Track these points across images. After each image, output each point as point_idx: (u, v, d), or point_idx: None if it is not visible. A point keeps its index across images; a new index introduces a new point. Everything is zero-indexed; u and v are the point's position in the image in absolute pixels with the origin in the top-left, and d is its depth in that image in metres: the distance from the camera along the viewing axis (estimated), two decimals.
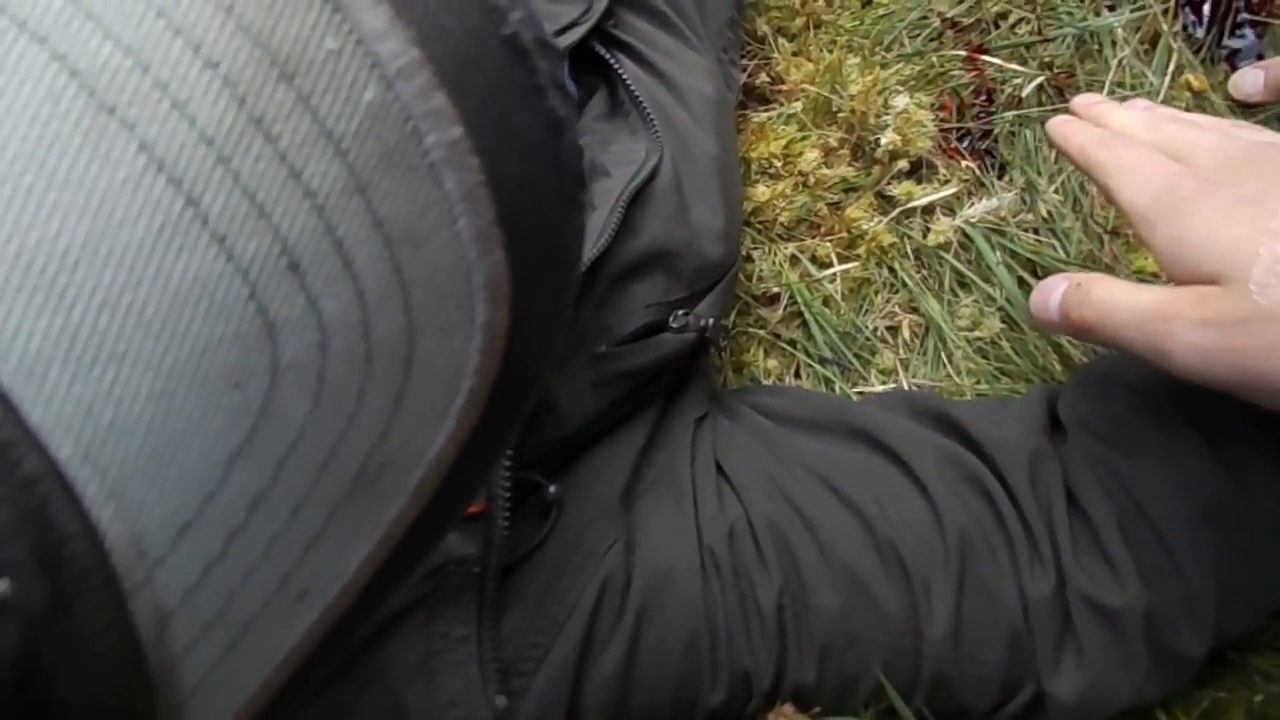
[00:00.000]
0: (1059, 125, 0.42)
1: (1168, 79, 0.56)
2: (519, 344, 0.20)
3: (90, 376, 0.14)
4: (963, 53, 0.60)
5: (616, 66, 0.50)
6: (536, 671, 0.39)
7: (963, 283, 0.57)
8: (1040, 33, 0.60)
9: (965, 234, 0.57)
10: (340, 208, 0.16)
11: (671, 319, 0.44)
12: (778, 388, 0.54)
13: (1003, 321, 0.55)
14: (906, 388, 0.55)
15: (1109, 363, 0.45)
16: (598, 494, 0.42)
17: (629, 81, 0.49)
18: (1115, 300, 0.35)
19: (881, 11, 0.64)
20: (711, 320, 0.45)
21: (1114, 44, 0.58)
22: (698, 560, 0.40)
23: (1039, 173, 0.58)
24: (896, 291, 0.58)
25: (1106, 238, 0.56)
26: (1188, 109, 0.57)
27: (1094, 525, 0.39)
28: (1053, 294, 0.39)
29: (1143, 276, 0.55)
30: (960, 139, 0.60)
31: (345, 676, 0.36)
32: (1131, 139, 0.38)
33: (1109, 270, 0.55)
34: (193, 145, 0.15)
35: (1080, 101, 0.44)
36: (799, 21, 0.66)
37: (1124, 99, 0.50)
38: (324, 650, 0.20)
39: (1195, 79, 0.56)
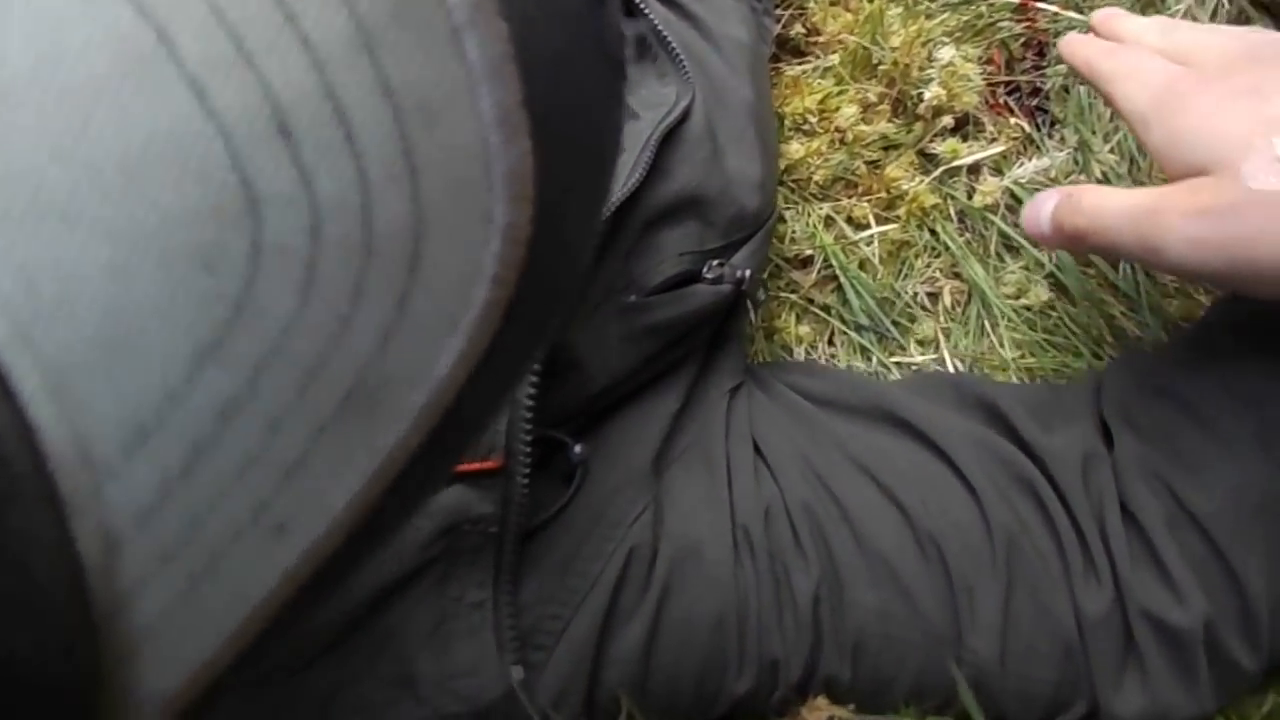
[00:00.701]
0: (1070, 42, 0.42)
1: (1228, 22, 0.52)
2: (543, 255, 0.17)
3: (32, 241, 0.12)
4: (1015, 0, 0.56)
5: (643, 6, 0.47)
6: (555, 645, 0.37)
7: (1010, 247, 0.54)
8: None
9: (1013, 195, 0.54)
10: (344, 65, 0.13)
11: (705, 269, 0.41)
12: (815, 367, 0.52)
13: (1051, 289, 0.52)
14: (947, 358, 0.52)
15: (1152, 352, 0.42)
16: (626, 459, 0.39)
17: (657, 23, 0.46)
18: (1105, 203, 0.35)
19: None
20: (749, 273, 0.42)
21: None
22: (729, 537, 0.38)
23: (1093, 131, 0.54)
24: (938, 256, 0.55)
25: None
26: None
27: (1147, 533, 0.37)
28: (1043, 207, 0.38)
29: None
30: (1010, 94, 0.57)
31: (352, 642, 0.34)
32: (1138, 46, 0.38)
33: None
34: None
35: (1098, 16, 0.43)
36: None
37: None
38: (305, 600, 0.17)
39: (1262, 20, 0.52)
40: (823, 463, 0.40)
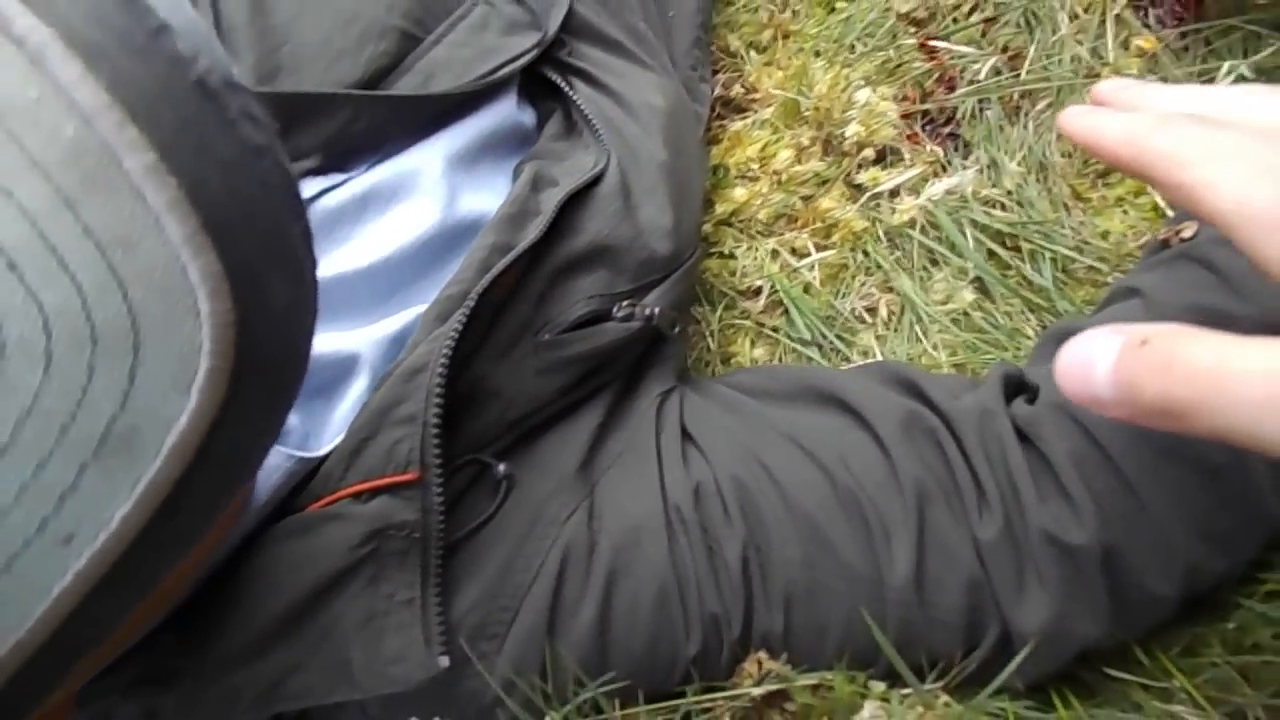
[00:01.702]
0: (1081, 116, 0.32)
1: (1113, 44, 0.58)
2: (256, 329, 0.24)
3: None
4: (915, 41, 0.63)
5: (568, 89, 0.54)
6: (506, 634, 0.42)
7: (934, 260, 0.59)
8: (991, 16, 0.62)
9: (931, 213, 0.59)
10: (51, 219, 0.20)
11: (615, 309, 0.47)
12: (754, 367, 0.57)
13: (976, 292, 0.57)
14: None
15: (1070, 322, 0.47)
16: (555, 468, 0.45)
17: (579, 101, 0.54)
18: (1227, 365, 0.22)
19: (844, 15, 0.68)
20: (657, 310, 0.48)
21: (1060, 18, 0.60)
22: (662, 519, 0.43)
23: (1001, 150, 0.60)
24: (872, 274, 0.60)
25: (1070, 203, 0.57)
26: (1140, 74, 0.58)
27: (1054, 467, 0.41)
28: (1096, 359, 0.25)
29: (1109, 238, 0.56)
30: (924, 126, 0.63)
31: (295, 633, 0.39)
32: (1199, 121, 0.28)
33: (1076, 235, 0.56)
34: None
35: (1106, 87, 0.34)
36: (768, 34, 0.70)
37: (1083, 71, 0.51)
38: (111, 596, 0.23)
39: (1145, 40, 0.58)
40: (753, 439, 0.45)
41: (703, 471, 0.44)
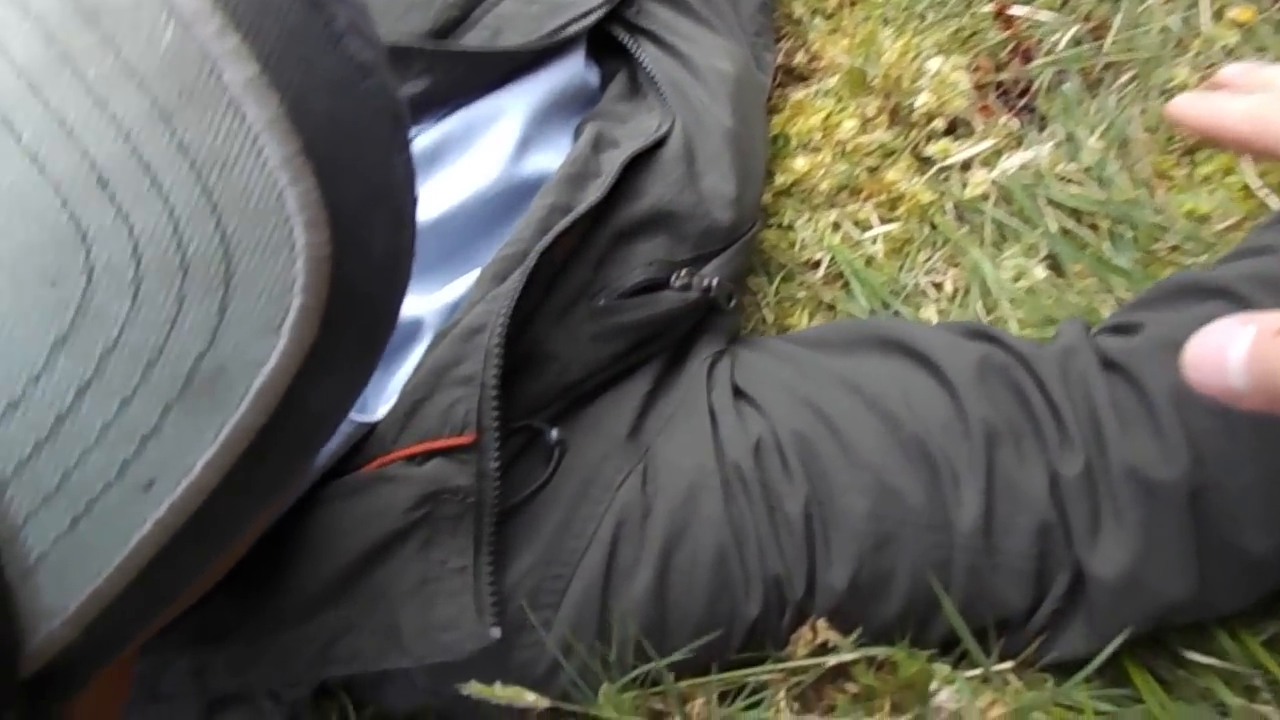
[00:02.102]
0: (1197, 101, 0.31)
1: (1206, 14, 0.55)
2: (351, 270, 0.22)
3: None
4: (991, 8, 0.60)
5: (635, 49, 0.53)
6: (560, 602, 0.41)
7: (1004, 236, 0.57)
8: None
9: (1004, 188, 0.57)
10: (145, 134, 0.19)
11: (673, 278, 0.46)
12: (809, 328, 0.55)
13: (1048, 269, 0.55)
14: None
15: (1190, 275, 0.44)
16: (606, 432, 0.43)
17: (645, 62, 0.52)
18: None
19: None
20: (715, 281, 0.47)
21: None
22: (718, 478, 0.41)
23: (1079, 124, 0.58)
24: (938, 248, 0.58)
25: (1154, 181, 0.55)
26: (1236, 48, 0.56)
27: (1149, 401, 0.38)
28: (1229, 347, 0.24)
29: (1195, 218, 0.53)
30: (998, 98, 0.61)
31: (347, 596, 0.38)
32: None
33: (1159, 214, 0.54)
34: (5, 75, 0.19)
35: (1234, 71, 0.33)
36: (834, 1, 0.68)
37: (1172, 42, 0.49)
38: (188, 547, 0.22)
39: (1241, 11, 0.55)
40: (810, 389, 0.44)
41: (760, 426, 0.43)
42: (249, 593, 0.38)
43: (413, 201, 0.26)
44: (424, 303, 0.46)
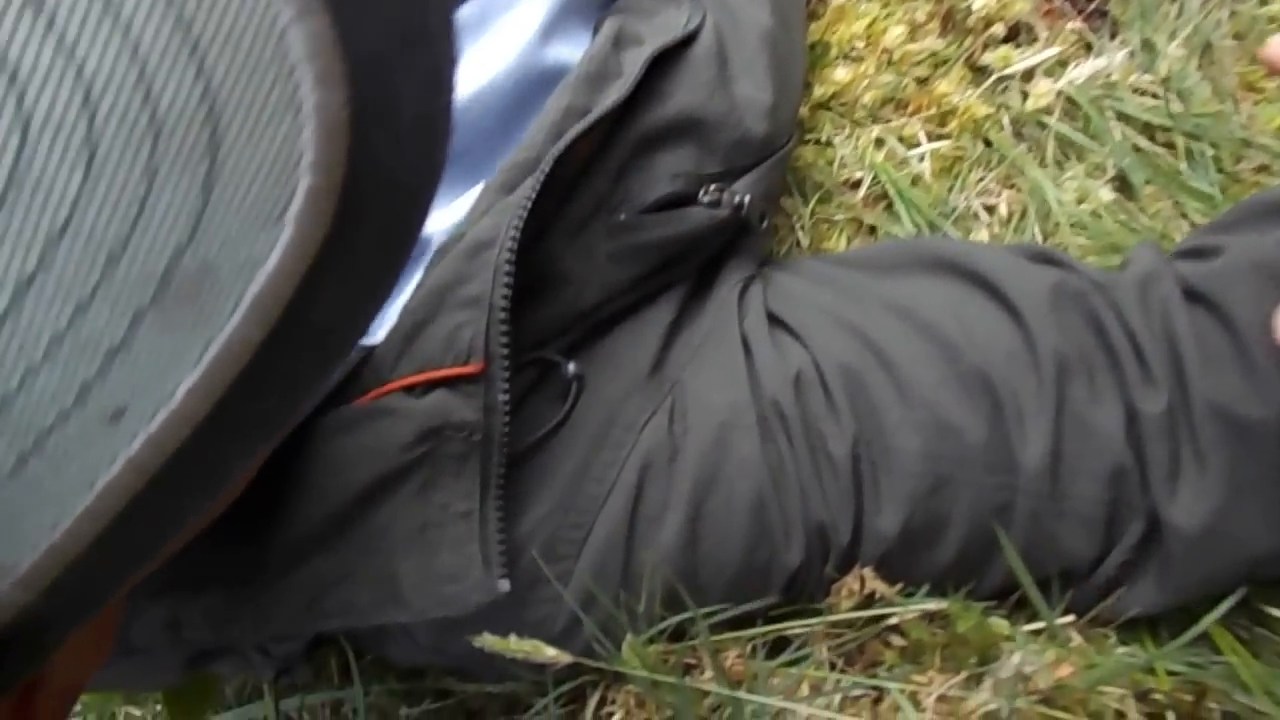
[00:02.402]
0: None
1: None
2: (375, 141, 0.17)
3: None
4: None
5: None
6: (578, 555, 0.37)
7: (1067, 155, 0.52)
8: None
9: (1070, 100, 0.51)
10: None
11: (702, 193, 0.41)
12: (849, 249, 0.51)
13: (1116, 191, 0.50)
14: None
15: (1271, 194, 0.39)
16: (627, 366, 0.39)
17: None
18: None
19: None
20: (748, 198, 0.42)
21: None
22: (753, 415, 0.37)
23: (1156, 31, 0.52)
24: (992, 168, 0.53)
25: (1239, 94, 0.49)
26: None
27: (1237, 331, 0.34)
28: None
29: None
30: (1065, 1, 0.55)
31: (340, 541, 0.34)
32: None
33: (1244, 130, 0.49)
34: None
35: None
36: None
37: None
38: (167, 489, 0.17)
39: None
40: (856, 314, 0.39)
41: (800, 358, 0.39)
42: (230, 535, 0.34)
43: (452, 58, 0.20)
44: (433, 219, 0.42)
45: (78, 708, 0.48)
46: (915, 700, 0.34)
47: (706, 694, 0.35)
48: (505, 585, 0.34)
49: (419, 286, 0.37)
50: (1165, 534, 0.35)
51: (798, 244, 0.54)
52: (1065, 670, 0.33)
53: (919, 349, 0.38)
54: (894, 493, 0.36)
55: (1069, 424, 0.36)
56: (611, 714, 0.37)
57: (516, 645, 0.31)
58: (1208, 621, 0.33)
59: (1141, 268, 0.38)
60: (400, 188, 0.19)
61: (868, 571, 0.36)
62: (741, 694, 0.32)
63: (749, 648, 0.38)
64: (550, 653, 0.31)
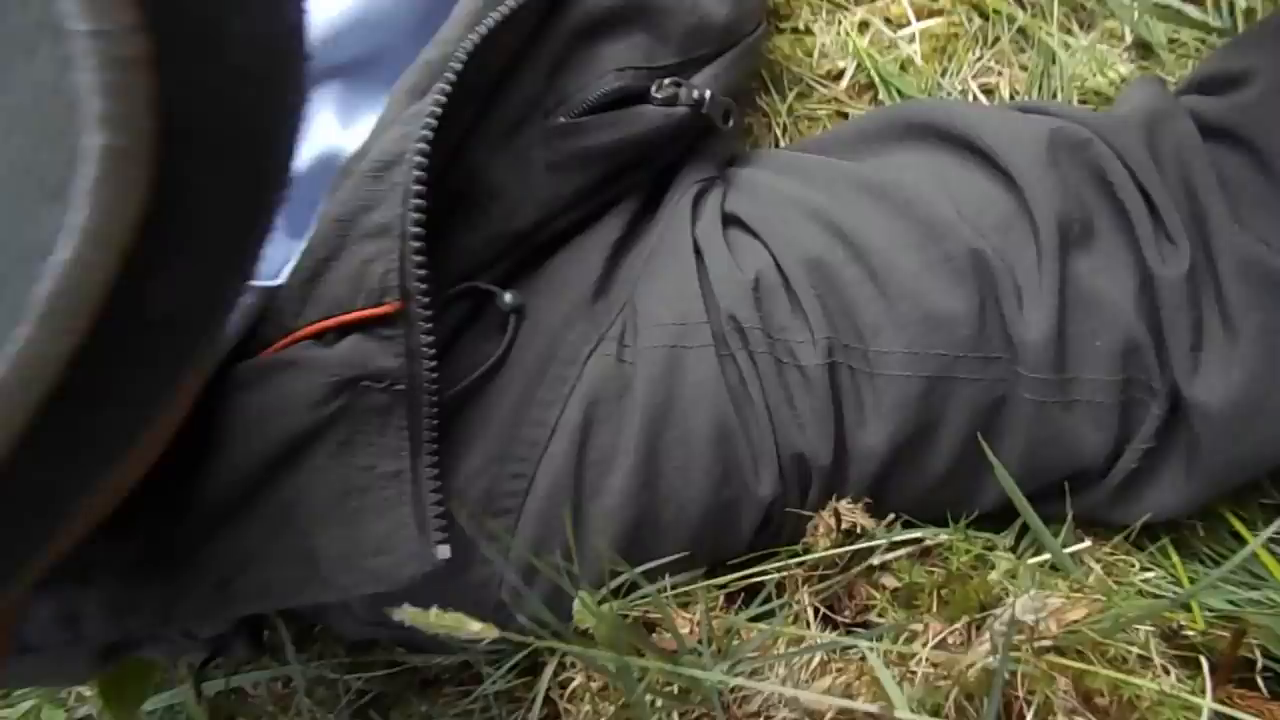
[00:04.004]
0: None
1: None
2: (200, 79, 0.13)
3: None
4: None
5: None
6: (520, 508, 0.33)
7: (1079, 21, 0.45)
8: None
9: None
10: None
11: (654, 88, 0.35)
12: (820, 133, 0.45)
13: (1133, 61, 0.44)
14: None
15: None
16: (569, 292, 0.34)
17: None
18: None
19: None
20: (709, 93, 0.36)
21: None
22: (707, 332, 0.33)
23: None
24: (991, 45, 0.46)
25: None
26: None
27: (1271, 169, 0.30)
28: None
29: None
30: None
31: (247, 516, 0.30)
32: None
33: None
34: None
35: None
36: None
37: None
38: None
39: None
40: (821, 201, 0.34)
41: (759, 259, 0.34)
42: (126, 517, 0.30)
43: None
44: (347, 133, 0.36)
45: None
46: (906, 656, 0.30)
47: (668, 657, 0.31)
48: (444, 552, 0.30)
49: (321, 217, 0.32)
50: (1189, 415, 0.30)
51: (776, 142, 0.48)
52: (1079, 613, 0.29)
53: (898, 232, 0.33)
54: (879, 402, 0.32)
55: (1073, 299, 0.31)
56: (571, 680, 0.33)
57: (438, 620, 0.27)
58: (1255, 544, 0.29)
59: (1146, 106, 0.33)
60: (245, 133, 0.15)
61: (844, 504, 0.32)
62: (687, 669, 0.28)
63: (718, 599, 0.33)
64: (475, 627, 0.27)
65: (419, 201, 0.30)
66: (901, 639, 0.31)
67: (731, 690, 0.31)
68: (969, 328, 0.31)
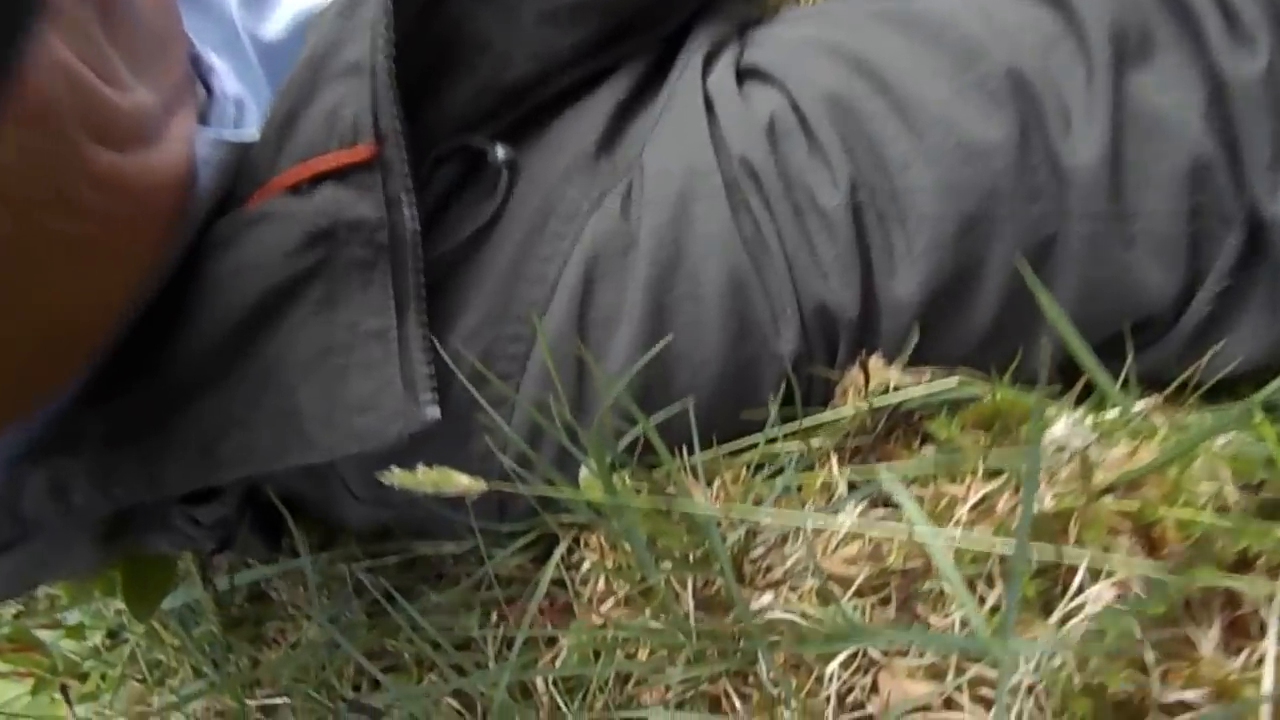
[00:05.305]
0: None
1: None
2: None
3: None
4: None
5: None
6: (521, 372, 0.31)
7: None
8: None
9: None
10: None
11: None
12: None
13: None
14: None
15: None
16: (570, 148, 0.32)
17: None
18: None
19: None
20: None
21: None
22: (718, 179, 0.30)
23: None
24: None
25: None
26: None
27: None
28: None
29: None
30: None
31: (231, 375, 0.28)
32: None
33: None
34: None
35: None
36: None
37: None
38: None
39: None
40: (840, 35, 0.31)
41: (773, 101, 0.31)
42: (106, 383, 0.29)
43: None
44: None
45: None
46: (944, 513, 0.27)
47: (688, 520, 0.29)
48: (434, 411, 0.29)
49: (298, 63, 0.30)
50: (1273, 240, 0.26)
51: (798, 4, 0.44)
52: (1145, 456, 0.25)
53: (926, 60, 0.29)
54: (910, 245, 0.28)
55: (1130, 118, 0.27)
56: (583, 560, 0.31)
57: (425, 477, 0.25)
58: None
59: None
60: None
61: (875, 359, 0.29)
62: (737, 509, 0.25)
63: (742, 470, 0.31)
64: (463, 481, 0.25)
65: (388, 34, 0.28)
66: (943, 503, 0.28)
67: (753, 560, 0.29)
68: (1009, 157, 0.28)
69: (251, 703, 0.37)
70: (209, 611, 0.38)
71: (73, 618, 0.49)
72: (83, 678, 0.50)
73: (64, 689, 0.45)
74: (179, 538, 0.35)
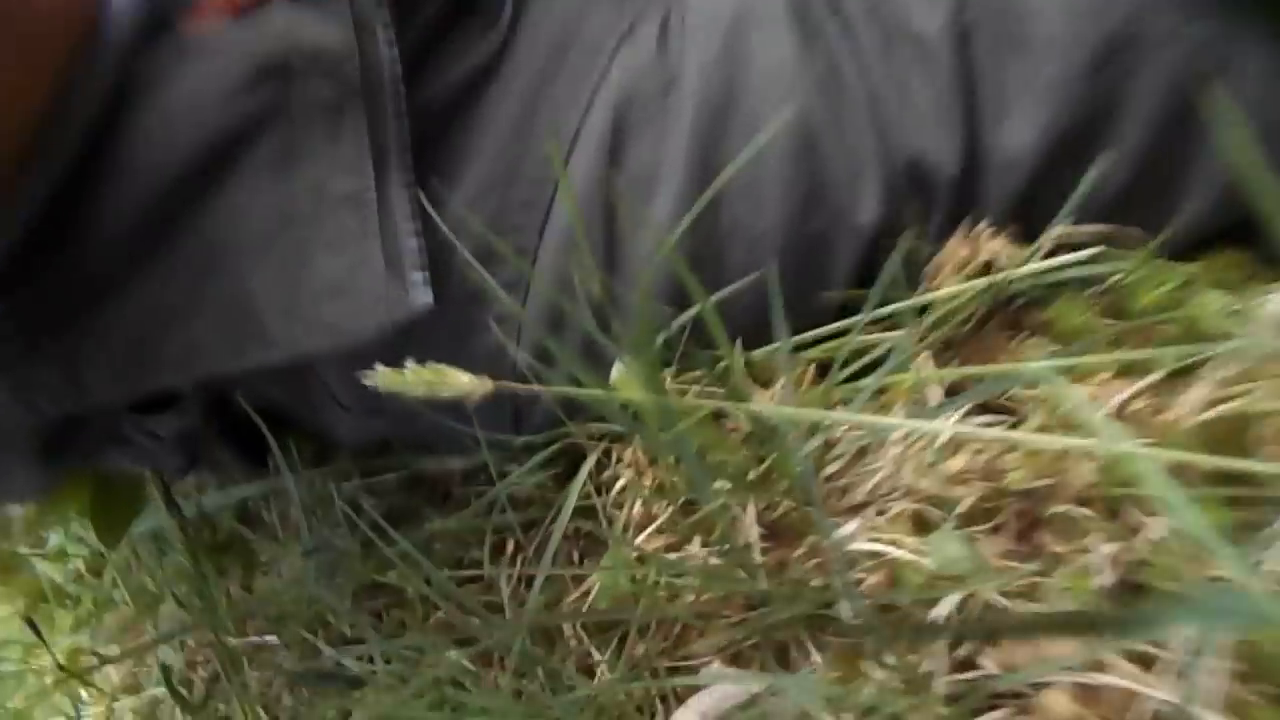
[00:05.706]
0: None
1: None
2: None
3: None
4: None
5: None
6: (536, 249, 0.25)
7: None
8: None
9: None
10: None
11: None
12: None
13: None
14: None
15: None
16: None
17: None
18: None
19: None
20: None
21: None
22: (781, 4, 0.23)
23: None
24: None
25: None
26: None
27: None
28: None
29: None
30: None
31: (166, 253, 0.22)
32: None
33: None
34: None
35: None
36: None
37: None
38: None
39: None
40: None
41: None
42: (16, 270, 0.24)
43: None
44: None
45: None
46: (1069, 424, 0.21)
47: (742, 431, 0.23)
48: (425, 296, 0.23)
49: None
50: None
51: None
52: None
53: None
54: (1029, 83, 0.22)
55: None
56: (616, 478, 0.26)
57: (415, 377, 0.20)
58: None
59: None
60: None
61: (983, 229, 0.22)
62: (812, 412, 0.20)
63: (808, 368, 0.25)
64: (463, 381, 0.19)
65: None
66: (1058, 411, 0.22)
67: (828, 479, 0.23)
68: None
69: (240, 640, 0.33)
70: (176, 540, 0.33)
71: (54, 540, 0.45)
72: (75, 601, 0.46)
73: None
74: (137, 453, 0.30)
